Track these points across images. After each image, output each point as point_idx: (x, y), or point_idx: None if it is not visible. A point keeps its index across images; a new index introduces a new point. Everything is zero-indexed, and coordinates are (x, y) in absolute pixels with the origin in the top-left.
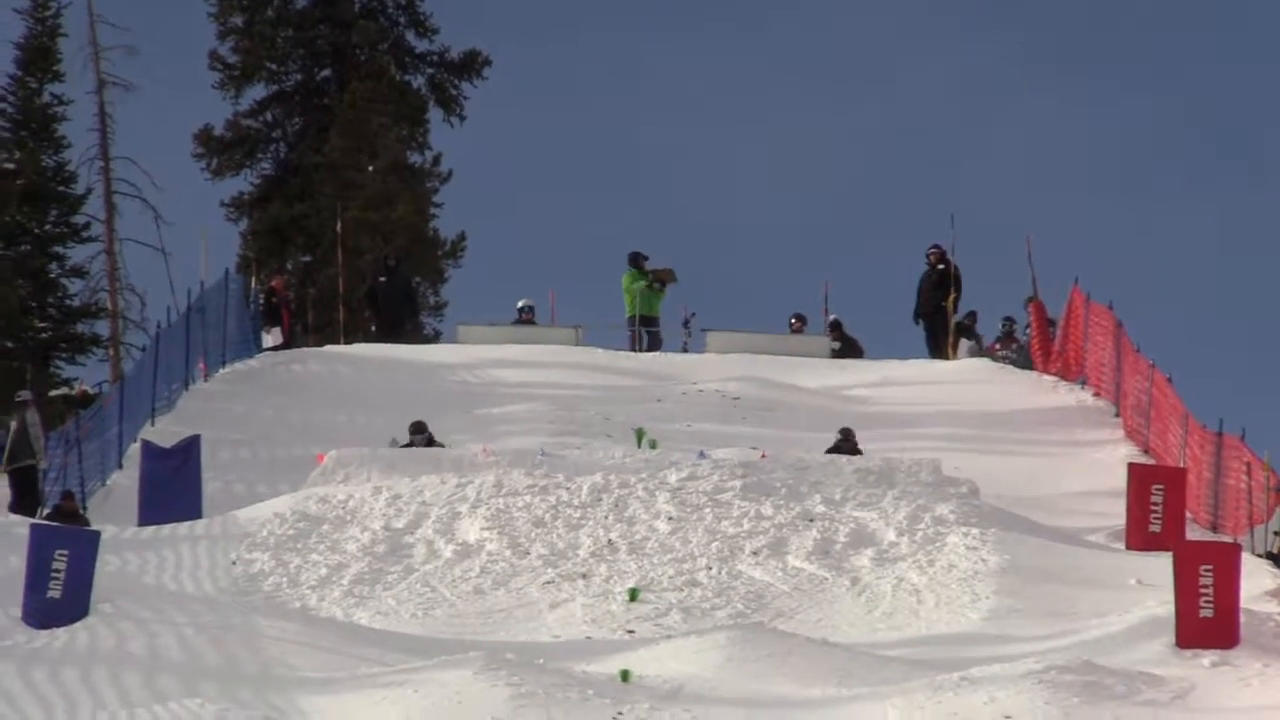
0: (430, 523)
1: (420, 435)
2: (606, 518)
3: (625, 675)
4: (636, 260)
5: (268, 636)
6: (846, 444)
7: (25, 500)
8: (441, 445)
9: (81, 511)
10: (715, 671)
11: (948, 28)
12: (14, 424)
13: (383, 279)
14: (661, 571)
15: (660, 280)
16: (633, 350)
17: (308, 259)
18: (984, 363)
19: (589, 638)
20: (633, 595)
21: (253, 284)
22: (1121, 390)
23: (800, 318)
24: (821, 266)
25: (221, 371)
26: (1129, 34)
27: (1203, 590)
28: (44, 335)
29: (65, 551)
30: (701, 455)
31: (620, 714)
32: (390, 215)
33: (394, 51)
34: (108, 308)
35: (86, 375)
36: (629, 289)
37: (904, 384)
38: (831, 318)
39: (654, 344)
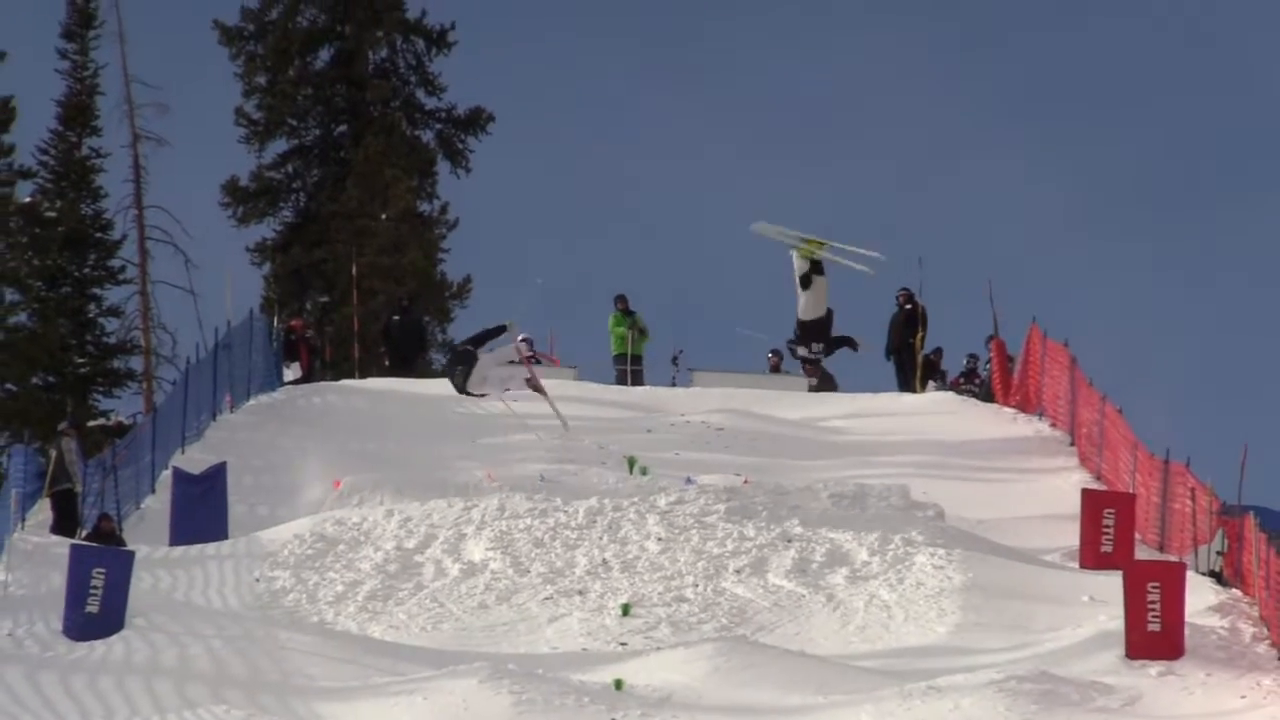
0: (438, 543)
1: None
2: (601, 538)
3: (618, 684)
4: (619, 303)
5: (288, 648)
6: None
7: (65, 522)
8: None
9: (118, 532)
10: (702, 681)
11: (918, 86)
12: (54, 452)
13: (397, 318)
14: (652, 588)
15: (641, 330)
16: (620, 386)
17: (325, 300)
18: (949, 396)
19: (585, 649)
20: (625, 610)
21: (275, 323)
22: (1076, 421)
23: (777, 353)
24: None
25: (247, 404)
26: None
27: (1150, 606)
28: (83, 370)
29: (103, 570)
30: (689, 481)
31: (614, 719)
32: (401, 260)
33: (405, 109)
34: (141, 345)
35: (122, 407)
36: (614, 330)
37: (875, 415)
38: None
39: (637, 381)
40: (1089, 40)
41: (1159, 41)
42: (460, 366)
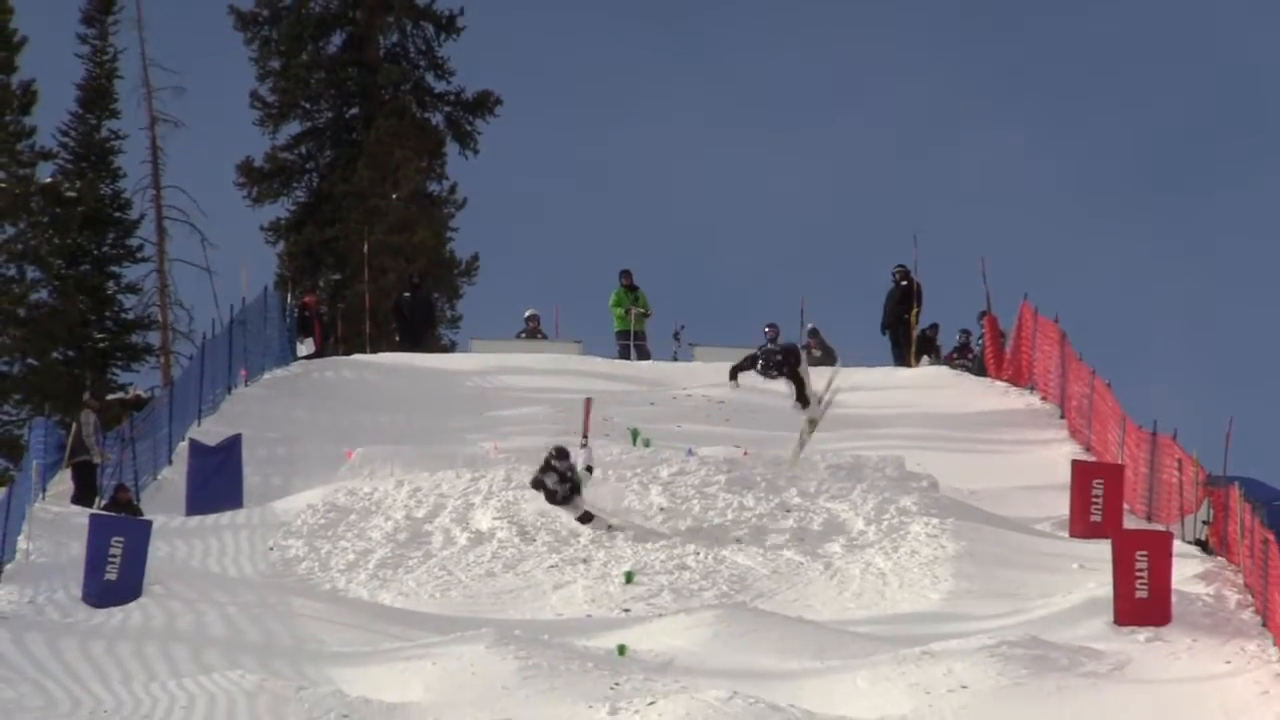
0: (447, 513)
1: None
2: (606, 508)
3: (622, 649)
4: (624, 279)
5: (301, 615)
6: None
7: (85, 493)
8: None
9: (134, 502)
10: (703, 646)
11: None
12: (74, 425)
13: (407, 295)
14: (654, 556)
15: (643, 309)
16: (623, 360)
17: (337, 277)
18: (943, 370)
19: (589, 616)
20: (628, 578)
21: (288, 300)
22: (1066, 394)
23: (774, 326)
24: (798, 283)
25: (261, 378)
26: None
27: (1138, 574)
28: (102, 345)
29: (121, 539)
30: (690, 453)
31: (617, 684)
32: (411, 239)
33: (415, 92)
34: (159, 321)
35: (140, 381)
36: (613, 309)
37: (871, 389)
38: (809, 326)
39: (641, 356)
40: (1087, 15)
41: (1158, 16)
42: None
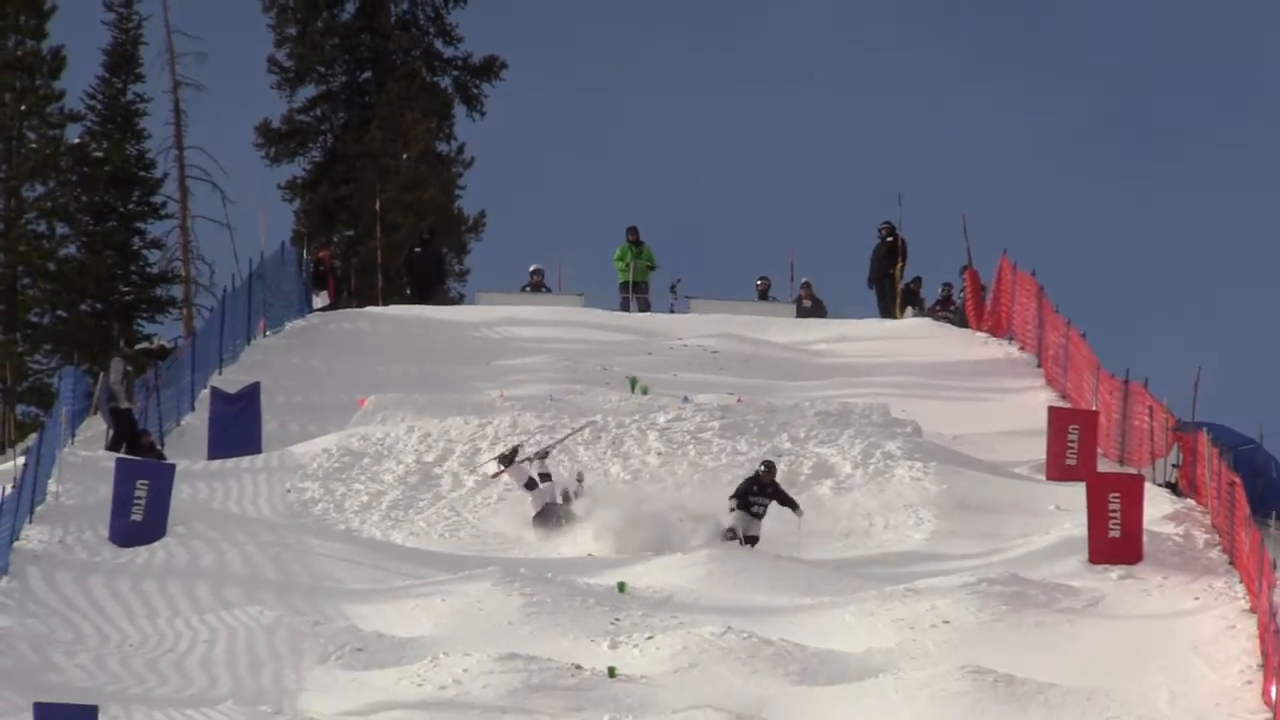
0: (455, 457)
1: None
2: (605, 453)
3: (622, 587)
4: (630, 234)
5: (317, 554)
6: (767, 475)
7: (122, 438)
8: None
9: (157, 446)
10: (698, 584)
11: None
12: (102, 375)
13: (418, 250)
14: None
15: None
16: (625, 312)
17: (351, 233)
18: (926, 322)
19: (590, 555)
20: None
21: (304, 254)
22: (1043, 344)
23: (765, 279)
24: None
25: (280, 329)
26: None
27: (1111, 514)
28: (128, 298)
29: (146, 482)
30: (686, 400)
31: (617, 620)
32: (421, 196)
33: (425, 57)
34: (182, 274)
35: (164, 332)
36: (616, 262)
37: (858, 339)
38: (803, 279)
39: (643, 307)
40: None
41: None
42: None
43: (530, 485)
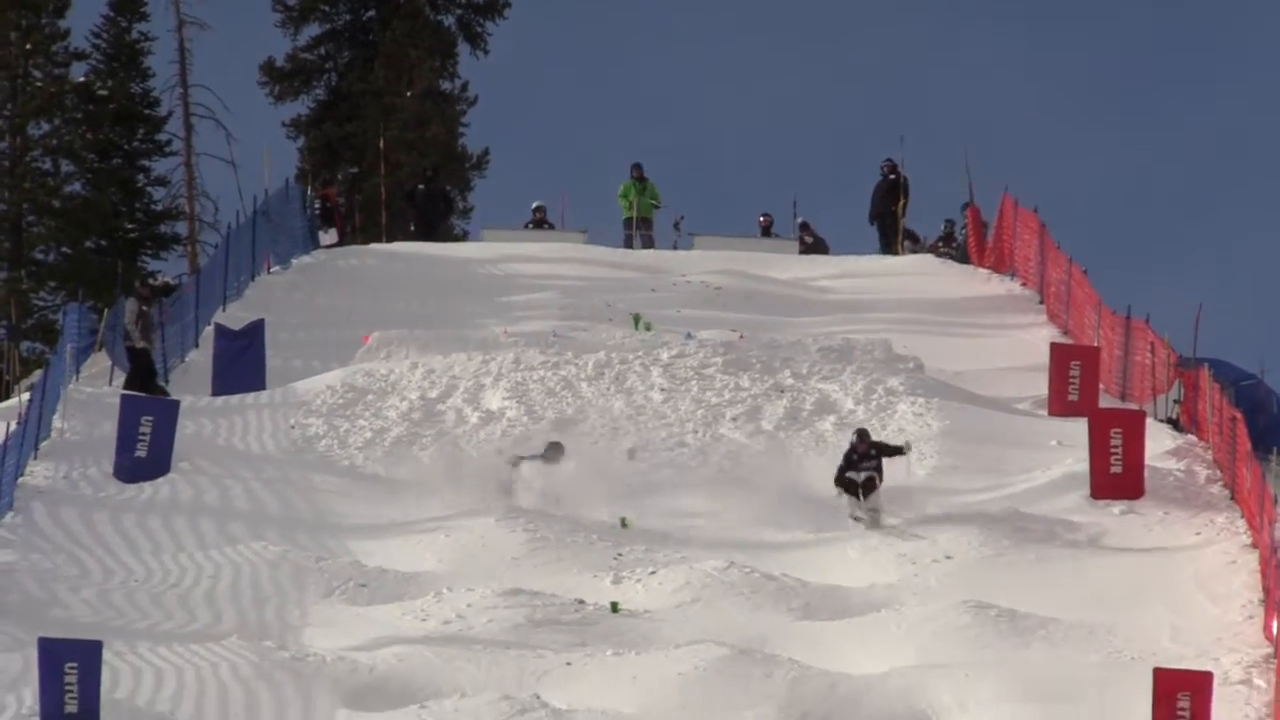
0: (459, 393)
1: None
2: (609, 389)
3: (624, 522)
4: (634, 171)
5: (321, 489)
6: (862, 444)
7: (139, 376)
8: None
9: (163, 384)
10: (701, 518)
11: None
12: (107, 312)
13: (421, 188)
14: (655, 434)
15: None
16: (629, 249)
17: (355, 171)
18: (928, 258)
19: (594, 490)
20: (631, 454)
21: (309, 192)
22: (1044, 281)
23: (767, 216)
24: (792, 175)
25: (284, 265)
26: None
27: (1113, 450)
28: (132, 235)
29: (150, 418)
30: (689, 336)
31: (620, 555)
32: (425, 134)
33: None
34: (186, 212)
35: (168, 269)
36: (620, 199)
37: (860, 276)
38: (800, 220)
39: (647, 244)
40: None
41: None
42: None
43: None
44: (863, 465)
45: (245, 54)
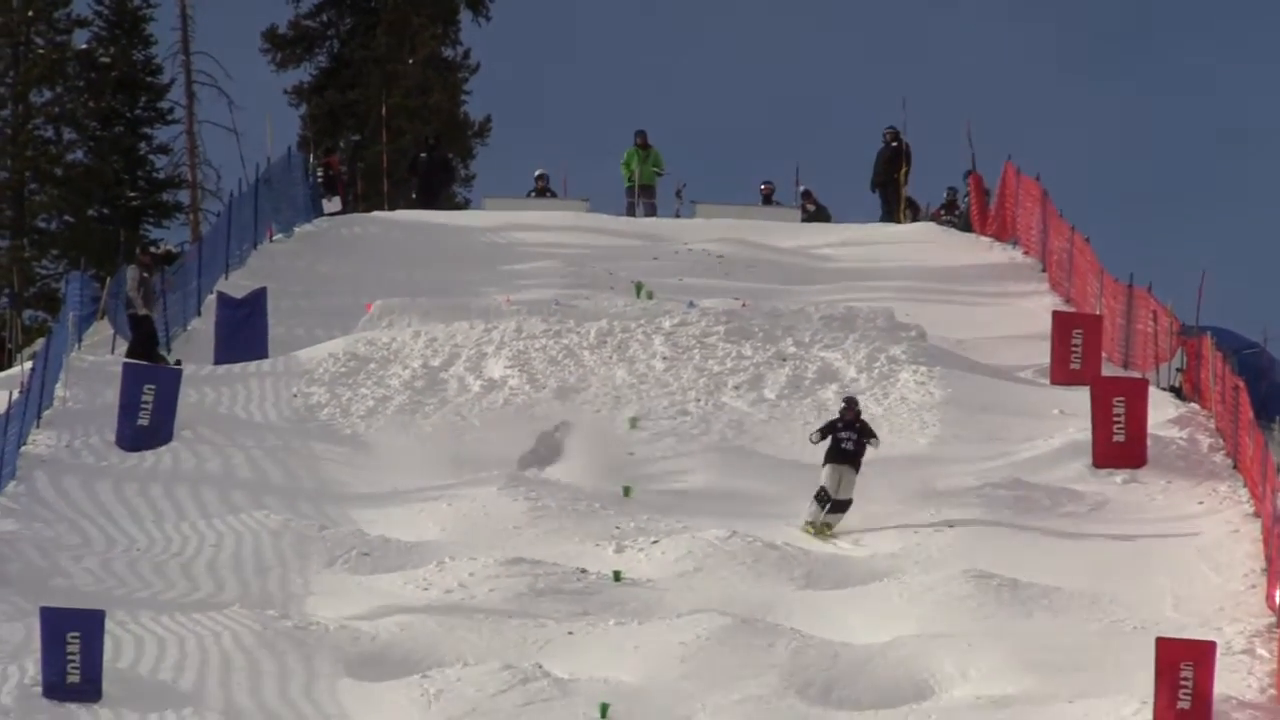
0: (461, 362)
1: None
2: (611, 357)
3: (627, 491)
4: (638, 138)
5: (324, 458)
6: (850, 412)
7: (142, 344)
8: None
9: (164, 353)
10: (703, 487)
11: None
12: (110, 280)
13: (424, 155)
14: (657, 403)
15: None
16: (631, 216)
17: (357, 138)
18: (930, 227)
19: (596, 458)
20: (633, 423)
21: (311, 159)
22: (1047, 249)
23: (769, 184)
24: (795, 143)
25: (287, 233)
26: None
27: (1115, 418)
28: (134, 203)
29: (153, 386)
30: (691, 305)
31: (622, 525)
32: (427, 102)
33: None
34: (188, 180)
35: (170, 237)
36: (624, 168)
37: (862, 244)
38: (802, 188)
39: (649, 212)
40: None
41: None
42: None
43: None
44: (845, 435)
45: (247, 21)
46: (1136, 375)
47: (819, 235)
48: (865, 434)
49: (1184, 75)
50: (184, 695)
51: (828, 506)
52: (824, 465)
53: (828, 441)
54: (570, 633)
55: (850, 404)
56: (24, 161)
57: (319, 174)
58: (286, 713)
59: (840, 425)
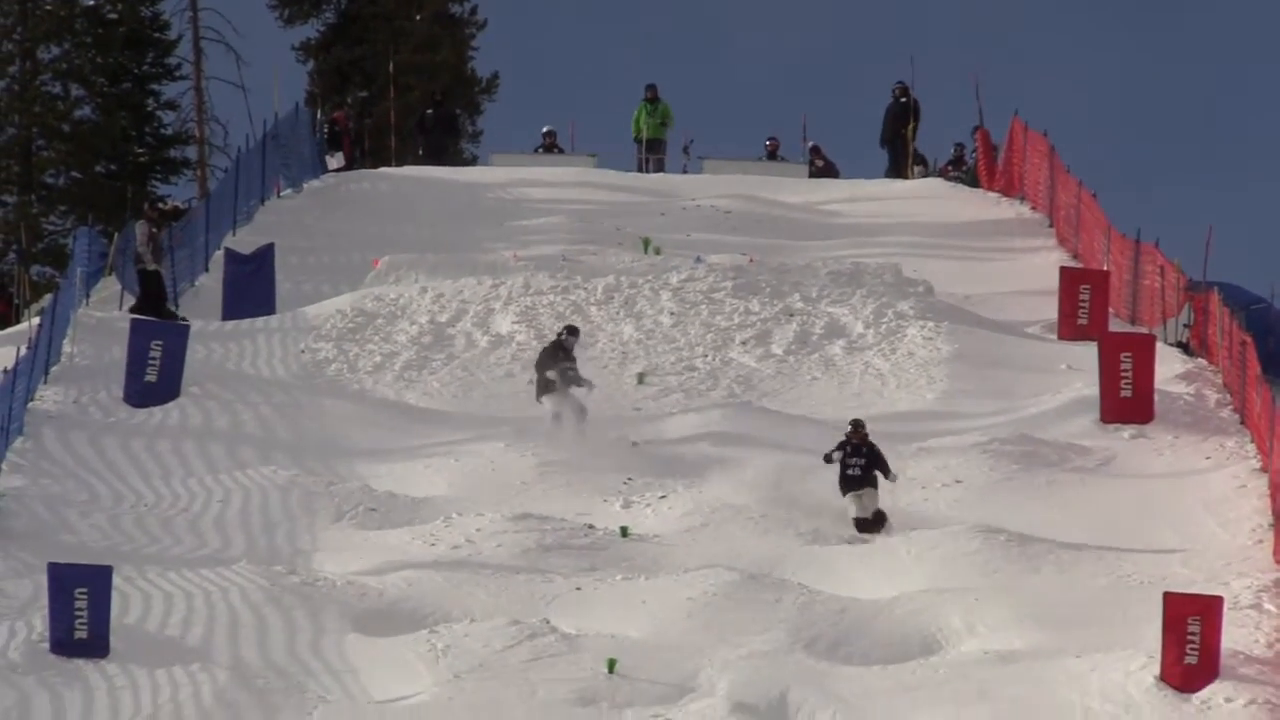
0: (469, 317)
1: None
2: (618, 313)
3: (634, 445)
4: (648, 92)
5: (331, 414)
6: (856, 435)
7: (149, 300)
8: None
9: (173, 308)
10: (710, 443)
11: None
12: (118, 236)
13: (430, 112)
14: (665, 358)
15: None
16: (640, 172)
17: (364, 95)
18: (938, 182)
19: (603, 414)
20: (640, 379)
21: (318, 116)
22: (1054, 205)
23: (774, 140)
24: (802, 98)
25: (294, 189)
26: None
27: (1123, 374)
28: (142, 159)
29: (160, 342)
30: (698, 260)
31: (630, 480)
32: (434, 58)
33: None
34: (196, 136)
35: (178, 193)
36: (637, 120)
37: (870, 199)
38: (810, 144)
39: (658, 168)
40: None
41: None
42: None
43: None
44: (852, 462)
45: None
46: (1144, 330)
47: (826, 191)
48: (875, 462)
49: (1194, 28)
50: (191, 651)
51: (864, 530)
52: (843, 496)
53: (838, 468)
54: (578, 588)
55: (857, 427)
56: (32, 117)
57: (325, 130)
58: (294, 668)
59: (849, 449)
